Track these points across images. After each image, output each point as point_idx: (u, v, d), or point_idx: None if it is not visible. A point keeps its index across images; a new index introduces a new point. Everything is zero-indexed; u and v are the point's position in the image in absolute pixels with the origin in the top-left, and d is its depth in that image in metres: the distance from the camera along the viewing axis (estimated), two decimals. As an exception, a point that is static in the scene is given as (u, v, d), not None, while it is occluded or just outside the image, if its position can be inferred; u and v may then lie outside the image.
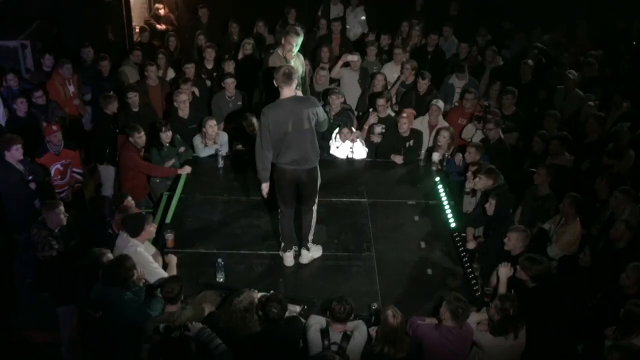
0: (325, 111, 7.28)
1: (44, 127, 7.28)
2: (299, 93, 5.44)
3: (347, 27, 10.64)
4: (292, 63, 6.03)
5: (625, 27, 10.91)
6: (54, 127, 6.94)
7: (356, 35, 10.69)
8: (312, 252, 5.73)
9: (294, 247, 5.70)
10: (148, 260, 5.07)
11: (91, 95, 8.86)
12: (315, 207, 5.65)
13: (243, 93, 8.27)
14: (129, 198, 5.80)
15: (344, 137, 7.50)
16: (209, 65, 9.06)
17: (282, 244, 5.72)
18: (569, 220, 5.99)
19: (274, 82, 5.14)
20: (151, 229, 5.27)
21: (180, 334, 4.17)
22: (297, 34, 5.59)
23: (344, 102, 7.91)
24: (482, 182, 6.18)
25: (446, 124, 7.76)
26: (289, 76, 5.06)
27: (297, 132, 5.12)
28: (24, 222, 6.14)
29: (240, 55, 9.13)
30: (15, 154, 6.40)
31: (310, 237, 5.71)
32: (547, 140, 7.15)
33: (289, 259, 5.67)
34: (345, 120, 7.68)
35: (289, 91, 5.12)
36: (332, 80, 8.80)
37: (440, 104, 7.78)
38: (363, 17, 10.68)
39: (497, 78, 8.96)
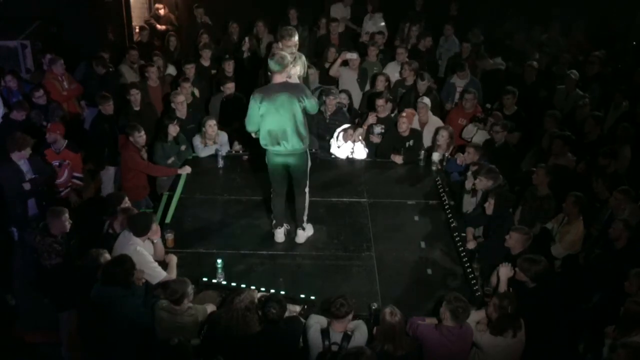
0: (321, 111, 7.34)
1: (47, 127, 7.25)
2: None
3: (366, 32, 10.66)
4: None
5: (624, 27, 10.91)
6: (57, 127, 6.99)
7: None
8: (307, 231, 6.02)
9: (284, 225, 6.00)
10: (147, 260, 5.06)
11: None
12: (307, 190, 5.86)
13: (241, 95, 8.26)
14: (126, 199, 5.80)
15: (348, 137, 7.50)
16: (206, 64, 9.14)
17: (274, 222, 6.00)
18: (572, 219, 6.00)
19: (269, 66, 5.44)
20: (155, 228, 5.30)
21: (178, 341, 4.12)
22: (290, 36, 5.73)
23: (340, 102, 7.93)
24: (482, 182, 6.17)
25: (437, 120, 7.81)
26: (280, 64, 5.30)
27: (286, 116, 5.37)
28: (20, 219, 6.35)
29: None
30: (24, 154, 6.49)
31: (305, 218, 5.96)
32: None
33: (279, 235, 5.97)
34: (341, 119, 7.69)
35: (280, 77, 5.38)
36: (331, 80, 8.80)
37: (426, 100, 7.88)
38: (382, 23, 10.72)
39: (490, 80, 8.99)
